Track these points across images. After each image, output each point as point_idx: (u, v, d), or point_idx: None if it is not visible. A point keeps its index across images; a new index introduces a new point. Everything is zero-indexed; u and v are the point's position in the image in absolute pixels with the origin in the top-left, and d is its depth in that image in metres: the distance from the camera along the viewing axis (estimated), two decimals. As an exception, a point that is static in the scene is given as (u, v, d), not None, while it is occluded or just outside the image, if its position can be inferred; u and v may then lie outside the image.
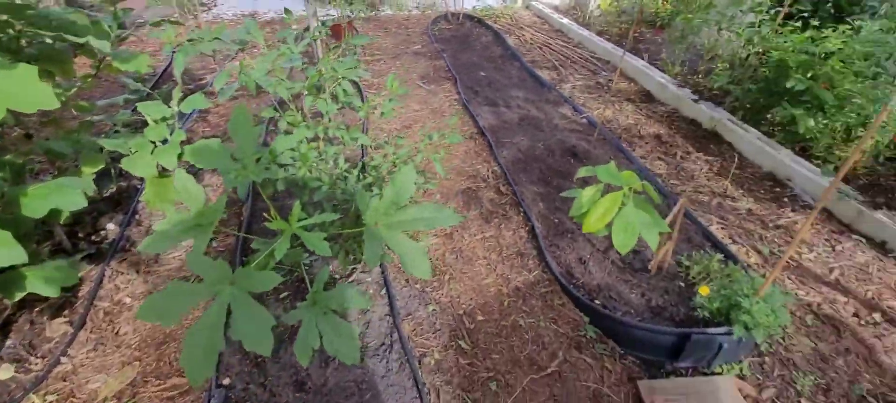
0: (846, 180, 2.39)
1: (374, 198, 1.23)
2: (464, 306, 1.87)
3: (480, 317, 1.82)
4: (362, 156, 2.51)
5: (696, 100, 3.12)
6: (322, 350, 1.05)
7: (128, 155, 1.59)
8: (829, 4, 2.63)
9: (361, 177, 1.59)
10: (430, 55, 4.38)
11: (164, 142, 1.58)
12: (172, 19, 2.25)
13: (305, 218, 1.29)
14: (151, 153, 1.46)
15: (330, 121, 1.60)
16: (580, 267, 1.99)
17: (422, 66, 4.15)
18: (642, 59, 3.87)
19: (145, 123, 1.67)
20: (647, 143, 2.93)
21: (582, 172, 1.43)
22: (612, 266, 1.98)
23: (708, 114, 2.99)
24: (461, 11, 5.32)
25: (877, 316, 1.82)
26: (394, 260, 1.94)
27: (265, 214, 1.35)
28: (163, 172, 1.64)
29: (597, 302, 1.83)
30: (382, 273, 1.89)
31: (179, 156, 1.60)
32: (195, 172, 2.44)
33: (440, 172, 1.54)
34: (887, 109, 1.52)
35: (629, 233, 1.27)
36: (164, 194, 1.55)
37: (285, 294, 1.79)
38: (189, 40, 1.49)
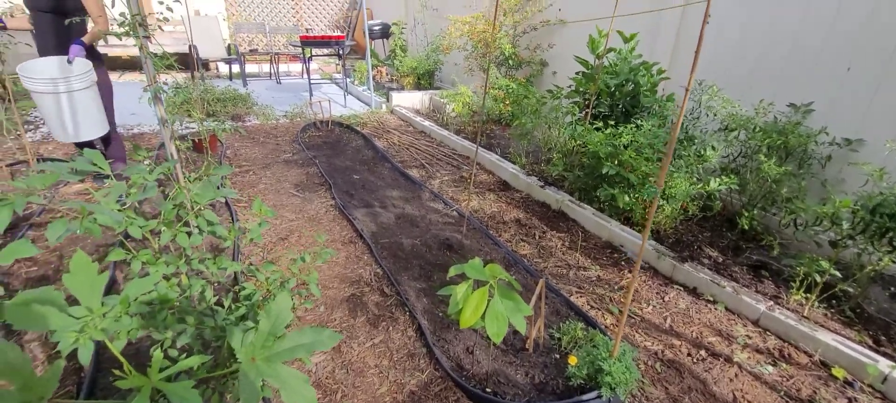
0: (660, 240, 2.98)
1: (248, 331, 1.17)
2: (358, 424, 1.79)
3: (376, 433, 1.76)
4: (235, 282, 2.35)
5: (542, 186, 3.65)
6: None
7: None
8: (621, 107, 3.42)
9: (233, 307, 1.50)
10: (302, 163, 4.40)
11: (-29, 304, 1.30)
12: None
13: (169, 367, 1.16)
14: (-47, 319, 1.20)
15: (192, 252, 1.51)
16: (468, 357, 2.08)
17: (294, 173, 4.14)
18: (495, 153, 4.44)
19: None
20: (510, 228, 3.30)
21: (452, 271, 1.56)
22: (497, 350, 2.11)
23: (554, 197, 3.52)
24: (329, 118, 5.54)
25: (703, 353, 2.22)
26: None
27: (115, 371, 1.18)
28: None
29: (488, 390, 1.90)
30: (265, 407, 1.73)
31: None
32: (12, 331, 2.00)
33: (315, 293, 1.54)
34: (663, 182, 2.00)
35: (500, 323, 1.41)
36: (-34, 369, 1.25)
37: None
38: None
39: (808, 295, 2.42)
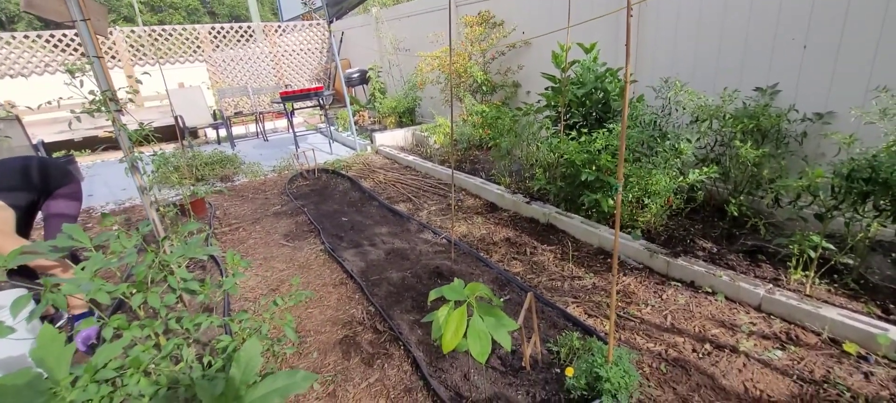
0: (651, 239, 2.95)
1: (217, 383, 1.14)
2: (358, 470, 1.71)
3: (377, 477, 1.68)
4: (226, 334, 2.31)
5: (528, 202, 3.65)
6: None
7: None
8: (593, 115, 3.47)
9: (212, 362, 1.47)
10: (290, 213, 4.41)
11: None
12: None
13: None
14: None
15: (168, 313, 1.49)
16: (466, 383, 2.02)
17: (283, 224, 4.14)
18: (480, 177, 4.46)
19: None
20: (501, 248, 3.27)
21: (432, 296, 1.54)
22: (495, 372, 2.05)
23: (541, 211, 3.52)
24: (316, 167, 5.59)
25: (708, 347, 2.16)
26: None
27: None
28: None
29: (487, 414, 1.84)
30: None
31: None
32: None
33: (292, 337, 1.51)
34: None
35: (483, 341, 1.37)
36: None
37: None
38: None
39: (807, 272, 2.38)
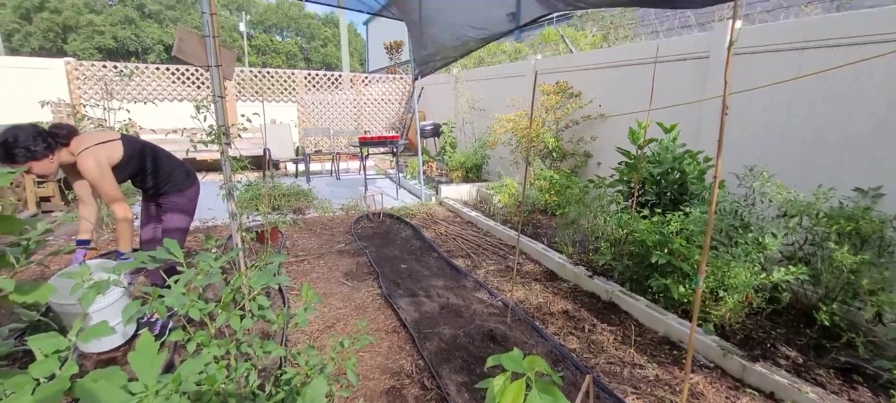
0: (726, 337, 2.73)
1: (283, 416, 1.20)
2: None
3: None
4: (281, 366, 2.41)
5: (590, 276, 3.54)
6: None
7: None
8: (668, 195, 3.36)
9: (273, 392, 1.54)
10: (353, 252, 4.60)
11: (51, 377, 1.44)
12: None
13: (207, 449, 1.20)
14: (32, 393, 1.33)
15: (242, 335, 1.61)
16: (510, 460, 1.93)
17: (345, 263, 4.31)
18: (542, 243, 4.41)
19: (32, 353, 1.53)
20: (557, 320, 3.17)
21: (490, 362, 1.52)
22: (541, 454, 1.95)
23: (603, 287, 3.39)
24: (381, 210, 5.83)
25: (786, 470, 1.92)
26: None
27: (159, 451, 1.24)
28: (40, 415, 1.46)
29: None
30: None
31: (68, 390, 1.46)
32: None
33: (353, 380, 1.56)
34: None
35: (537, 419, 1.33)
36: (36, 442, 1.36)
37: None
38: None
39: (915, 405, 2.07)
